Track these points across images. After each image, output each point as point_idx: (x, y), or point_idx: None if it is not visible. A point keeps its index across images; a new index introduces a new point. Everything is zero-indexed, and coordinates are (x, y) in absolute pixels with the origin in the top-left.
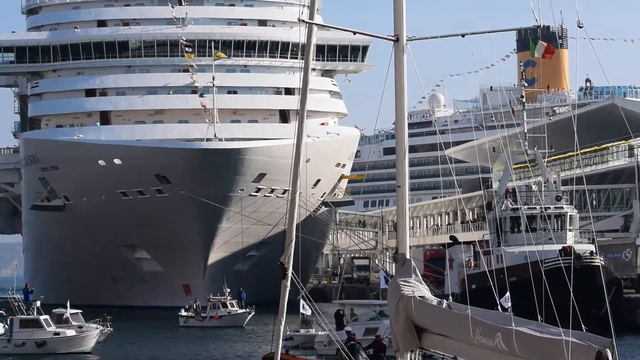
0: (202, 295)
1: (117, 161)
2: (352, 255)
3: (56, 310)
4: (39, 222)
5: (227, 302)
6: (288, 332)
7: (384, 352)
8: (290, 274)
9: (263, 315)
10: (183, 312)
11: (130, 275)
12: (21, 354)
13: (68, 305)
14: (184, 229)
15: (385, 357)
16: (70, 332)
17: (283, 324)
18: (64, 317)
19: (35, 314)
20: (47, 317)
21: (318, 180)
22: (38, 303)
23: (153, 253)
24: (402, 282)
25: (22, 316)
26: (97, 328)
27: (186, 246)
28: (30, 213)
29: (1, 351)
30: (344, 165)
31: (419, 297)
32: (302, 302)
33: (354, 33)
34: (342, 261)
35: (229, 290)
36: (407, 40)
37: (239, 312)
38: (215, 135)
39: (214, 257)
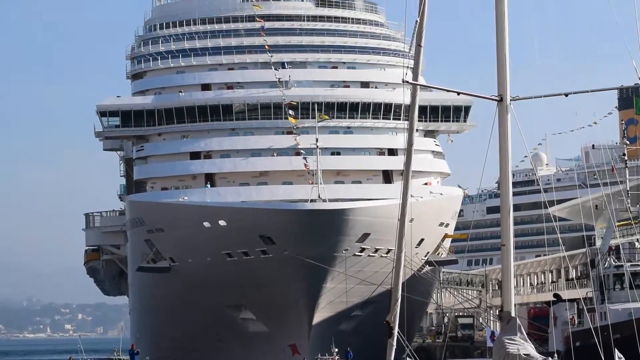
0: (306, 355)
1: (222, 223)
2: (456, 314)
3: None
4: (145, 284)
5: None
6: None
7: None
8: (396, 333)
9: None
10: None
11: (236, 335)
12: None
13: None
14: (289, 290)
15: None
16: None
17: None
18: None
19: None
20: None
21: (422, 240)
22: None
23: (258, 313)
24: (507, 340)
25: None
26: None
27: (291, 306)
28: (136, 275)
29: None
30: (447, 225)
31: (524, 355)
32: None
33: (458, 94)
34: (446, 320)
35: (336, 350)
36: (510, 100)
37: None
38: (319, 196)
39: (318, 316)
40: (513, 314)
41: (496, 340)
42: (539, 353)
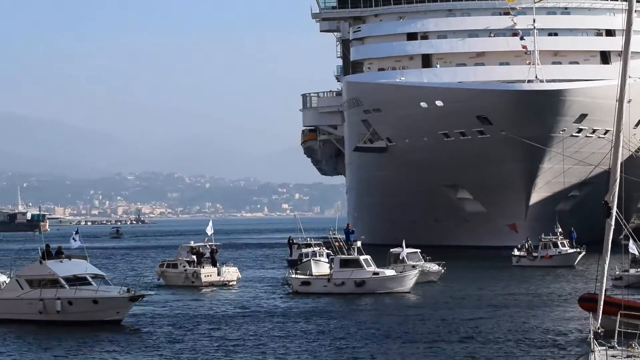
0: (523, 235)
1: (439, 103)
2: None
3: (393, 250)
4: (362, 164)
5: (559, 242)
6: (617, 272)
7: None
8: (614, 213)
9: (592, 255)
10: (516, 252)
11: (453, 216)
12: (340, 293)
13: (404, 244)
14: (506, 170)
15: None
16: (390, 272)
17: (607, 263)
18: (400, 256)
19: (355, 254)
20: (367, 257)
21: (639, 121)
22: (359, 243)
23: (475, 193)
24: None
25: (343, 256)
26: (437, 267)
27: (508, 187)
28: (353, 155)
29: (321, 290)
30: None
31: None
32: (631, 241)
33: None
34: None
35: (560, 230)
36: None
37: (569, 251)
38: (536, 77)
39: (536, 197)
40: None
41: None
42: None
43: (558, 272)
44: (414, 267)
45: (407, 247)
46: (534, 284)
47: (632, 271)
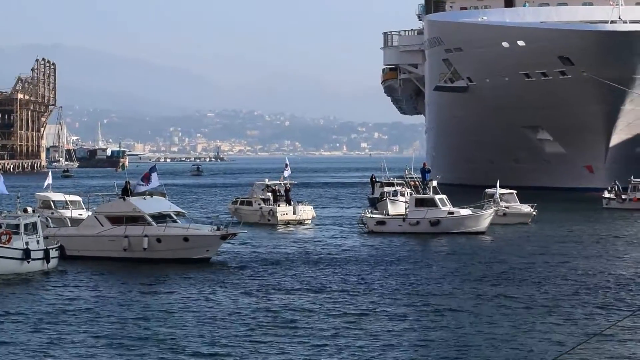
0: (602, 177)
1: (520, 43)
2: None
3: (488, 190)
4: (442, 103)
5: None
6: None
7: None
8: None
9: None
10: (606, 194)
11: (532, 156)
12: (415, 232)
13: (497, 185)
14: (587, 111)
15: None
16: (465, 212)
17: None
18: (495, 197)
19: (431, 193)
20: (442, 196)
21: None
22: (434, 182)
23: (555, 134)
24: None
25: (418, 195)
26: (529, 208)
27: (588, 128)
28: (433, 94)
29: (396, 230)
30: None
31: None
32: None
33: None
34: None
35: None
36: None
37: None
38: (619, 17)
39: (616, 138)
40: None
41: None
42: None
43: None
44: (506, 207)
45: (507, 188)
46: (623, 227)
47: None
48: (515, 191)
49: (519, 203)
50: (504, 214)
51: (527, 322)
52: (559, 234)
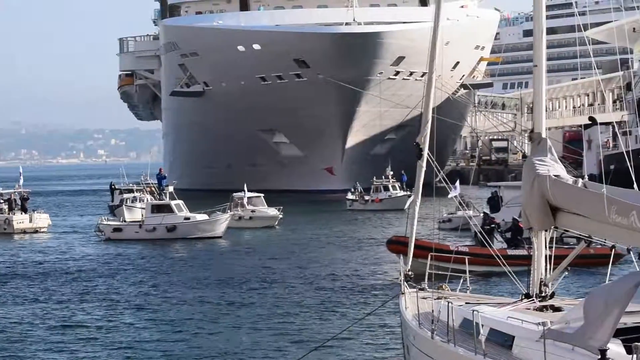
0: (342, 179)
1: (256, 46)
2: (490, 137)
3: (235, 194)
4: (179, 108)
5: (390, 185)
6: (445, 215)
7: (521, 234)
8: (426, 155)
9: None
10: (349, 196)
11: (270, 160)
12: (153, 239)
13: (245, 189)
14: (323, 113)
15: (522, 240)
16: (201, 217)
17: (418, 205)
18: (242, 201)
19: (167, 198)
20: (179, 202)
21: (457, 63)
22: (171, 188)
23: (292, 137)
24: (537, 162)
25: (154, 201)
26: (275, 211)
27: (325, 130)
28: (169, 99)
29: (133, 237)
30: (483, 48)
31: (554, 176)
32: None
33: None
34: (480, 143)
35: (392, 173)
36: None
37: (399, 194)
38: (354, 19)
39: (352, 140)
40: (544, 135)
41: (526, 162)
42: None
43: (389, 215)
44: (253, 211)
45: (248, 191)
46: (360, 228)
47: (460, 213)
48: (262, 194)
49: (266, 206)
50: (250, 218)
51: (251, 330)
52: (300, 237)
